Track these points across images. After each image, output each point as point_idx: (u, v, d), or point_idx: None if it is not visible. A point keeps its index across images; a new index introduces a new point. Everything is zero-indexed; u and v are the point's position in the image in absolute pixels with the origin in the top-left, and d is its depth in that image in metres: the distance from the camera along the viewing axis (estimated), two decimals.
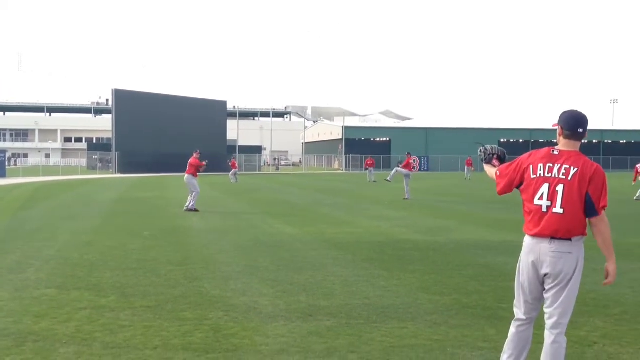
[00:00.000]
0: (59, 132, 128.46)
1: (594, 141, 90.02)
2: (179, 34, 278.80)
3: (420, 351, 5.50)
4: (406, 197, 25.53)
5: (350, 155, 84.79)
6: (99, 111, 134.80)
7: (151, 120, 61.75)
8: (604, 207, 4.15)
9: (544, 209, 4.20)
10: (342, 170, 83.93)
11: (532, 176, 4.29)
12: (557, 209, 4.16)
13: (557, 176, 4.19)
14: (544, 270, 4.24)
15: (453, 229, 15.16)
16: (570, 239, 4.18)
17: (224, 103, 74.26)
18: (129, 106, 60.88)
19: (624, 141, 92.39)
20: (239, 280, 8.61)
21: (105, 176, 54.85)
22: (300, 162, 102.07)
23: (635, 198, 26.43)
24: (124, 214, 18.57)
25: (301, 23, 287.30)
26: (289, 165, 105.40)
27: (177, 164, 41.37)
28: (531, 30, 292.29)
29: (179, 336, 5.90)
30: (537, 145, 76.35)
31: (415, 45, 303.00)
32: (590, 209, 4.14)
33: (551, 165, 4.24)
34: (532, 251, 4.29)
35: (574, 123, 4.28)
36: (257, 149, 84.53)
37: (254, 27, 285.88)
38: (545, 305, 4.31)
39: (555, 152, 4.29)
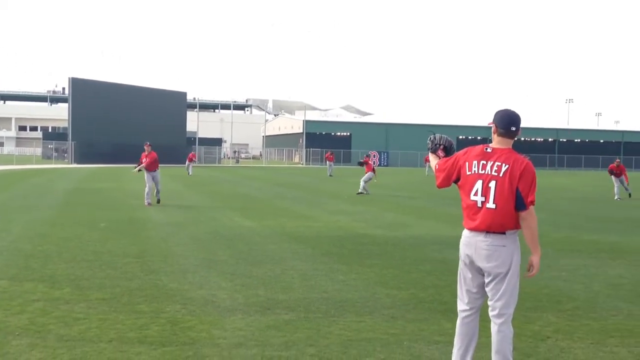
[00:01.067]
0: (13, 120, 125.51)
1: (549, 139, 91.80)
2: (140, 23, 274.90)
3: (378, 344, 5.55)
4: (359, 191, 25.52)
5: (311, 149, 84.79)
6: (55, 100, 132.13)
7: (109, 110, 60.64)
8: (531, 202, 4.30)
9: (479, 205, 4.37)
10: (302, 164, 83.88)
11: (468, 173, 4.46)
12: (490, 204, 4.32)
13: (489, 173, 4.36)
14: (480, 264, 4.41)
15: (412, 224, 15.29)
16: (504, 233, 4.34)
17: (184, 94, 73.38)
18: (86, 95, 59.68)
19: (579, 140, 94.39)
20: (197, 273, 8.54)
21: (61, 166, 53.76)
22: (261, 155, 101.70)
23: (617, 198, 25.81)
24: (80, 205, 18.24)
25: (264, 16, 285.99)
26: (249, 158, 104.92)
27: (134, 155, 40.60)
28: (490, 29, 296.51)
29: (135, 329, 5.83)
30: None
31: (377, 42, 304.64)
32: (520, 203, 4.29)
33: (484, 162, 4.41)
34: (469, 244, 4.46)
35: (507, 121, 4.45)
36: (217, 141, 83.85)
37: (215, 18, 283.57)
38: (488, 299, 4.47)
39: (489, 150, 4.46)
